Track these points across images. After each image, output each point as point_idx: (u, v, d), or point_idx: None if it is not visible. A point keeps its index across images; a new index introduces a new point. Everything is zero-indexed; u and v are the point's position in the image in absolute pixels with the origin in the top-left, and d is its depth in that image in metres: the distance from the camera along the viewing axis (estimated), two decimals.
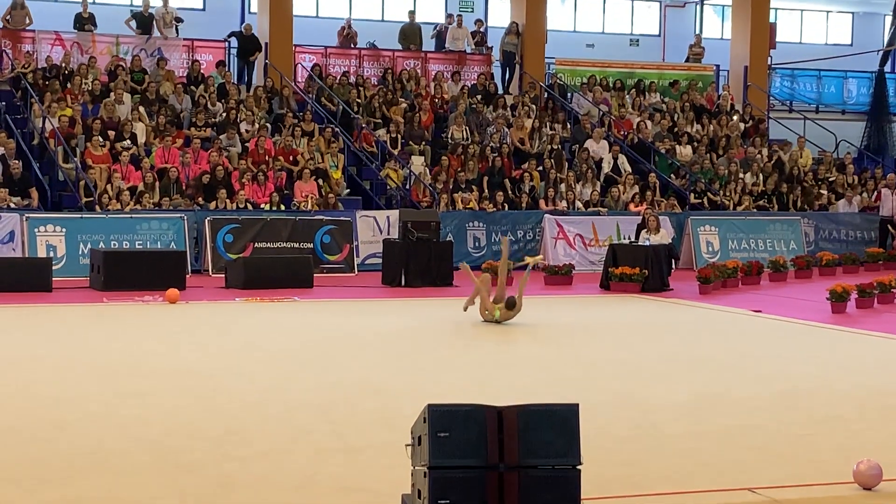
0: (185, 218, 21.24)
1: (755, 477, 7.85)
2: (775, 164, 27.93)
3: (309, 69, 27.77)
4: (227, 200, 22.19)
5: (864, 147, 32.89)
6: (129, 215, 21.09)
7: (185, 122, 24.73)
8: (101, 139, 22.70)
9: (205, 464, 7.98)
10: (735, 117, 29.72)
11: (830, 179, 28.06)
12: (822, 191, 27.52)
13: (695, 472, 8.01)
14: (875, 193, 27.40)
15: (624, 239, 22.50)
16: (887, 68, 34.58)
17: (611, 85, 29.54)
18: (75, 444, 8.49)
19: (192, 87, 25.69)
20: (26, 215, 20.44)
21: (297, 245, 21.55)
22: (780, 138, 30.23)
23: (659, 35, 37.73)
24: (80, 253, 20.37)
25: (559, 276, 20.96)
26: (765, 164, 27.71)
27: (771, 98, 32.65)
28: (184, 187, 22.38)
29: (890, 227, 26.46)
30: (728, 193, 26.35)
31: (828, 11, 40.07)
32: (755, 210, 26.22)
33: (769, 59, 32.39)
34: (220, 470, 7.83)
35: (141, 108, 24.17)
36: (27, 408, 9.80)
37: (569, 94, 29.48)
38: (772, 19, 33.51)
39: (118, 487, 7.38)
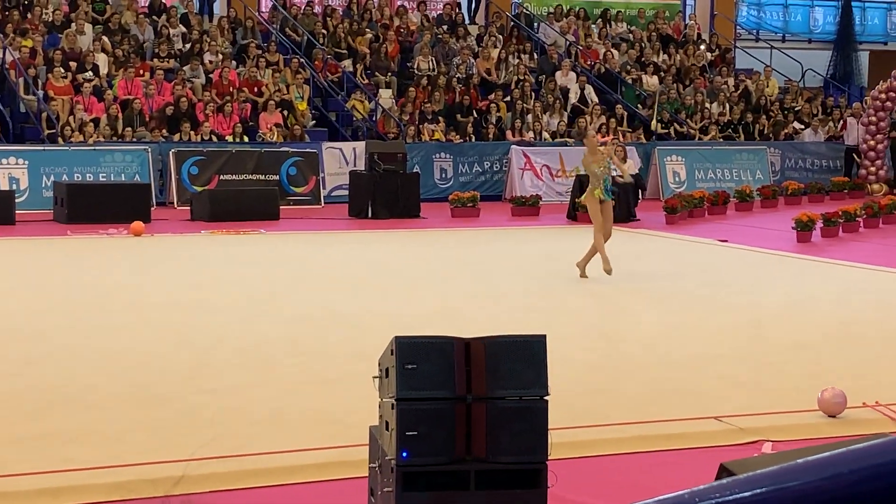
0: (150, 150, 21.08)
1: (721, 405, 7.91)
2: (742, 94, 27.94)
3: None
4: (192, 132, 22.02)
5: (830, 76, 32.93)
6: (93, 147, 20.90)
7: (147, 52, 24.46)
8: (62, 70, 22.43)
9: (174, 397, 7.98)
10: (702, 47, 29.65)
11: (796, 109, 28.11)
12: (788, 120, 27.56)
13: (662, 402, 8.07)
14: (841, 122, 27.48)
15: None
16: None
17: (577, 14, 29.37)
18: (44, 379, 8.46)
19: (155, 17, 25.38)
20: None
21: (262, 177, 21.43)
22: (746, 68, 30.21)
23: None
24: (44, 185, 20.19)
25: (526, 207, 20.96)
26: (731, 94, 27.71)
27: (738, 27, 32.58)
28: (147, 119, 22.19)
29: (855, 156, 26.58)
30: (694, 123, 26.37)
31: None
32: (721, 140, 26.25)
33: None
34: (189, 403, 7.83)
35: (104, 38, 23.86)
36: None
37: (535, 24, 29.32)
38: None
39: (89, 421, 7.37)
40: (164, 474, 6.34)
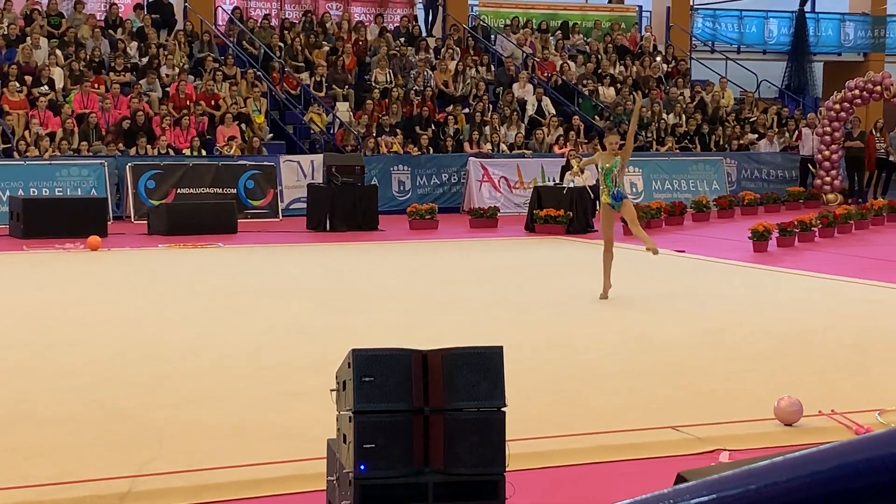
0: (106, 164, 20.98)
1: (679, 415, 7.95)
2: (697, 105, 28.14)
3: (229, 12, 27.43)
4: (148, 146, 21.93)
5: (785, 87, 33.20)
6: (49, 162, 20.78)
7: (104, 66, 24.34)
8: (17, 84, 22.29)
9: (135, 412, 7.93)
10: (658, 58, 29.83)
11: (752, 119, 28.33)
12: (744, 131, 27.77)
13: (620, 412, 8.10)
14: (795, 133, 27.71)
15: (548, 181, 22.58)
16: (807, 7, 34.82)
17: (535, 26, 29.49)
18: (2, 394, 8.40)
19: (111, 31, 25.28)
20: None
21: (220, 190, 21.37)
22: (702, 79, 30.42)
23: None
24: None
25: (484, 219, 21.01)
26: (687, 105, 27.89)
27: (693, 39, 32.80)
28: (104, 133, 22.08)
29: (810, 167, 26.81)
30: (651, 134, 26.51)
31: None
32: (678, 151, 26.40)
33: None
34: (150, 417, 7.79)
35: (58, 52, 23.74)
36: None
37: (492, 36, 29.41)
38: None
39: (48, 436, 7.32)
40: (122, 490, 6.31)
